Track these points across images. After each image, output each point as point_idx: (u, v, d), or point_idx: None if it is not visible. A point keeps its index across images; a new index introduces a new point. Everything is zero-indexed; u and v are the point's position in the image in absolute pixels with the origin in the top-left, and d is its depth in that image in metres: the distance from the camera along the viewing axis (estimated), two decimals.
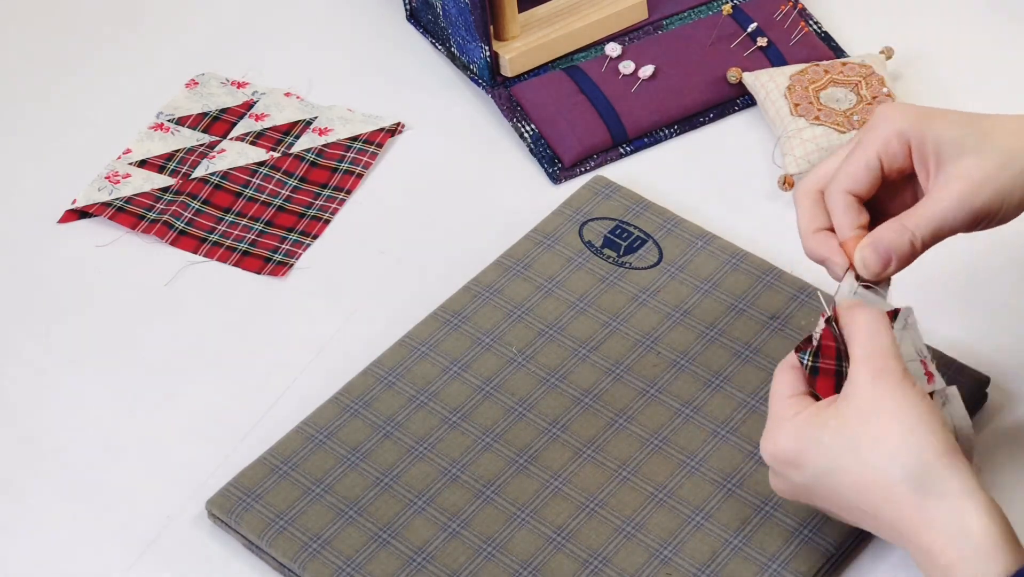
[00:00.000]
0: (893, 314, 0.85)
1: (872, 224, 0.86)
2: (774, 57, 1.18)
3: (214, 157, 1.16)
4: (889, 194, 0.88)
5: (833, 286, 0.87)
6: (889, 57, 1.17)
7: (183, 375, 1.02)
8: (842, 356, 0.83)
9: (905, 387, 0.80)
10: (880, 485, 0.79)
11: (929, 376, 0.85)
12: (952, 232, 0.85)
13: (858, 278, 0.86)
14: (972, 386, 0.95)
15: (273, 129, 1.18)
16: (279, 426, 0.97)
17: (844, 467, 0.80)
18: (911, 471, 0.78)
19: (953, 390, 0.86)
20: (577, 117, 1.15)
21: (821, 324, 0.84)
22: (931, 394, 0.84)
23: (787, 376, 0.85)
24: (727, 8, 1.21)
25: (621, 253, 1.05)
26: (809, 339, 0.84)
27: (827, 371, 0.84)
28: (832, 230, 0.87)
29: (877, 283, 0.86)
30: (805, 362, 0.84)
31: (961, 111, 0.86)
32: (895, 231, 0.84)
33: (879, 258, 0.84)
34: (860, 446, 0.80)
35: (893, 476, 0.79)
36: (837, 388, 0.83)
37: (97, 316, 1.06)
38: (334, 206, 1.13)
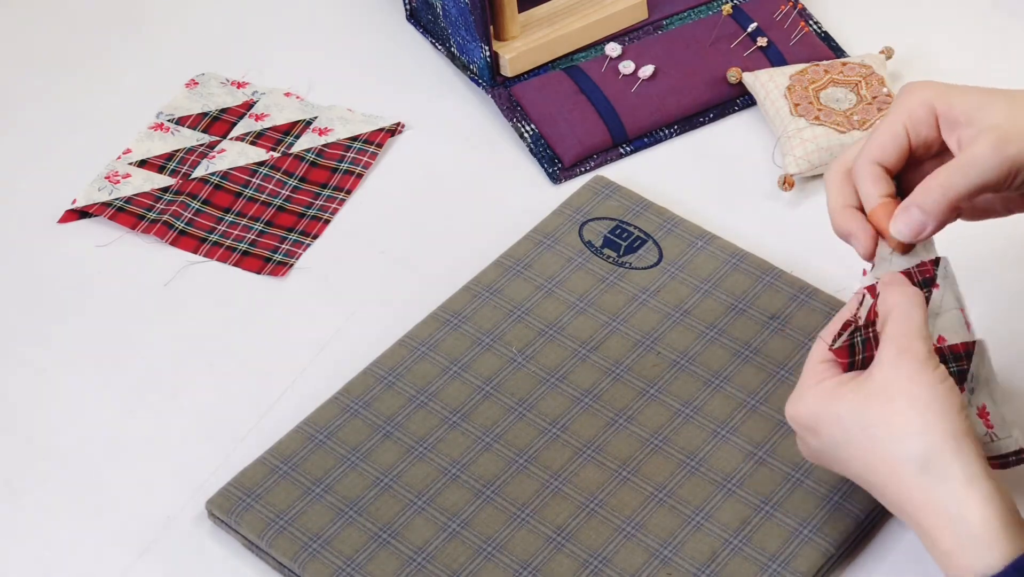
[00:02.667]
0: (935, 263, 0.85)
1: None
2: (774, 57, 1.18)
3: (214, 157, 1.16)
4: (917, 175, 0.86)
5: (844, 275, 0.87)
6: (889, 57, 1.17)
7: (183, 375, 1.02)
8: (858, 329, 0.83)
9: (925, 369, 0.80)
10: (887, 463, 0.80)
11: (967, 324, 0.85)
12: (985, 187, 0.82)
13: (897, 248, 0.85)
14: None
15: (273, 129, 1.18)
16: (279, 426, 0.97)
17: (855, 441, 0.81)
18: (917, 452, 0.79)
19: (986, 345, 0.85)
20: (577, 117, 1.15)
21: (867, 300, 0.84)
22: (973, 343, 0.84)
23: (822, 343, 0.85)
24: (727, 8, 1.21)
25: (621, 253, 1.05)
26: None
27: (843, 345, 0.84)
28: (861, 210, 0.86)
29: (915, 276, 0.85)
30: (853, 339, 0.84)
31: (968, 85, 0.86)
32: (923, 188, 0.83)
33: (911, 221, 0.83)
34: (872, 423, 0.80)
35: (899, 455, 0.79)
36: (850, 356, 0.83)
37: (97, 316, 1.06)
38: (334, 206, 1.13)
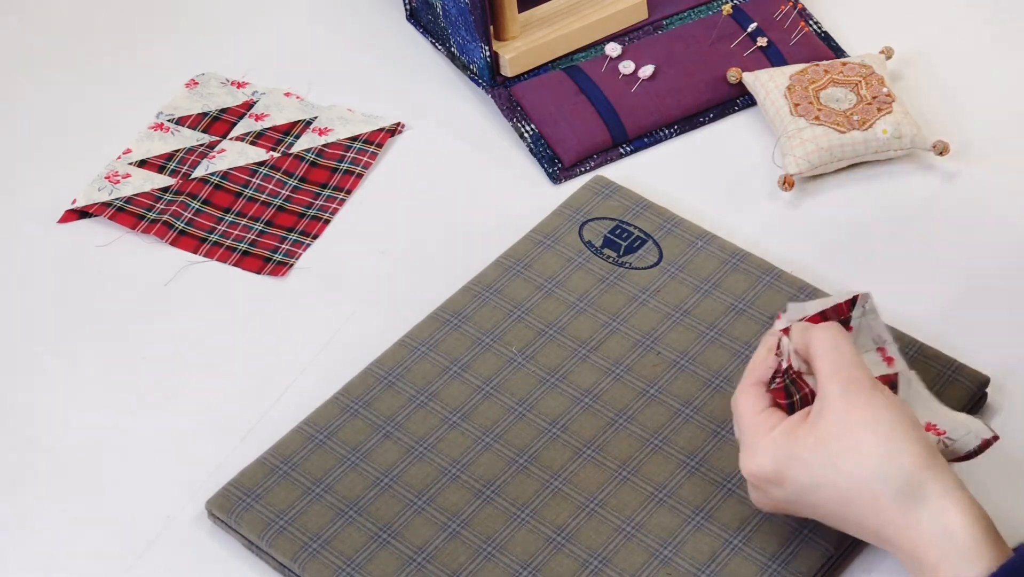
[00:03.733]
0: (851, 302, 0.87)
1: None
2: (774, 57, 1.18)
3: (214, 157, 1.16)
4: None
5: None
6: (889, 57, 1.17)
7: (183, 375, 1.02)
8: (786, 372, 0.85)
9: (875, 395, 0.81)
10: (862, 495, 0.80)
11: (889, 360, 0.87)
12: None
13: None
14: (972, 386, 0.95)
15: (273, 129, 1.18)
16: (279, 426, 0.97)
17: (825, 481, 0.81)
18: (891, 479, 0.79)
19: (913, 374, 0.88)
20: (577, 117, 1.15)
21: (785, 341, 0.86)
22: (895, 375, 0.86)
23: (751, 392, 0.86)
24: (727, 8, 1.21)
25: (621, 253, 1.05)
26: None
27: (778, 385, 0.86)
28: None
29: (830, 318, 0.87)
30: (786, 381, 0.86)
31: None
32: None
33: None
34: (839, 459, 0.81)
35: (874, 486, 0.80)
36: (787, 397, 0.85)
37: (97, 316, 1.06)
38: (334, 206, 1.13)
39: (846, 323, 0.87)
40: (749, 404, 0.85)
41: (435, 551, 0.89)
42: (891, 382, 0.86)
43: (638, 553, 0.89)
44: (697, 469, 0.92)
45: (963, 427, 0.86)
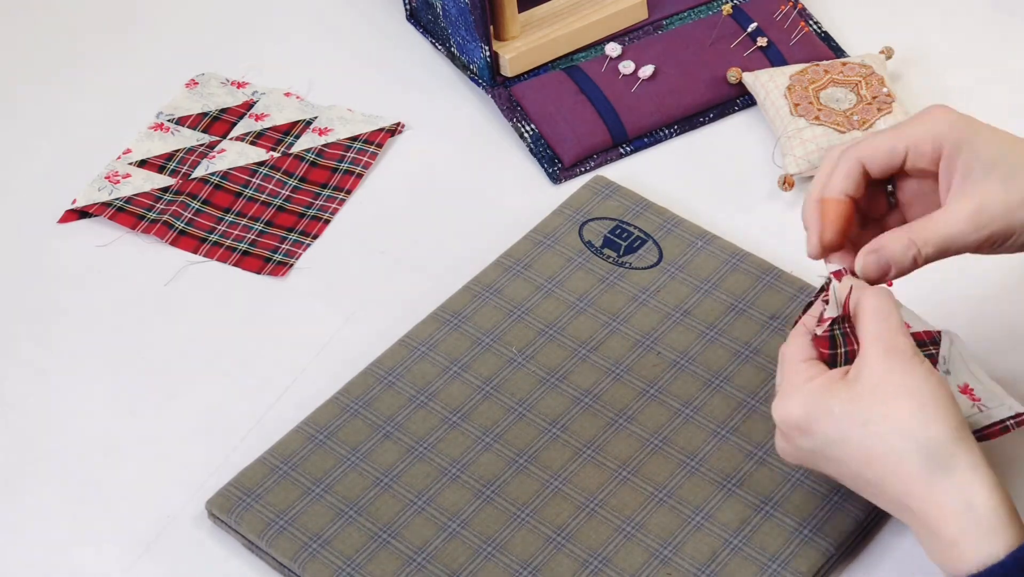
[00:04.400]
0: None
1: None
2: (774, 57, 1.18)
3: (214, 157, 1.16)
4: (905, 187, 0.88)
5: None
6: (889, 57, 1.17)
7: (183, 375, 1.02)
8: (837, 322, 0.84)
9: (914, 364, 0.81)
10: (888, 458, 0.80)
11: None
12: (959, 252, 0.85)
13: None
14: None
15: (273, 129, 1.18)
16: (279, 426, 0.97)
17: (853, 438, 0.81)
18: (921, 446, 0.79)
19: (955, 333, 0.87)
20: (577, 117, 1.15)
21: (835, 285, 0.85)
22: (938, 332, 0.86)
23: (799, 341, 0.85)
24: (727, 8, 1.21)
25: (621, 253, 1.05)
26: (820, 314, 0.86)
27: (823, 336, 0.85)
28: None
29: None
30: (834, 332, 0.85)
31: (1009, 133, 0.86)
32: (901, 244, 0.85)
33: (879, 267, 0.85)
34: (870, 419, 0.80)
35: (902, 450, 0.79)
36: (831, 348, 0.84)
37: (97, 316, 1.06)
38: (334, 206, 1.13)
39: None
40: (793, 352, 0.85)
41: (435, 551, 0.89)
42: (933, 338, 0.86)
43: (638, 553, 0.89)
44: (697, 469, 0.92)
45: (998, 398, 0.86)
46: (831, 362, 0.85)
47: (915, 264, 0.85)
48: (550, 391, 0.97)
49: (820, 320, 0.85)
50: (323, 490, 0.92)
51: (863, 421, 0.80)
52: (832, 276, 0.86)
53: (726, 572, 0.87)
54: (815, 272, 1.04)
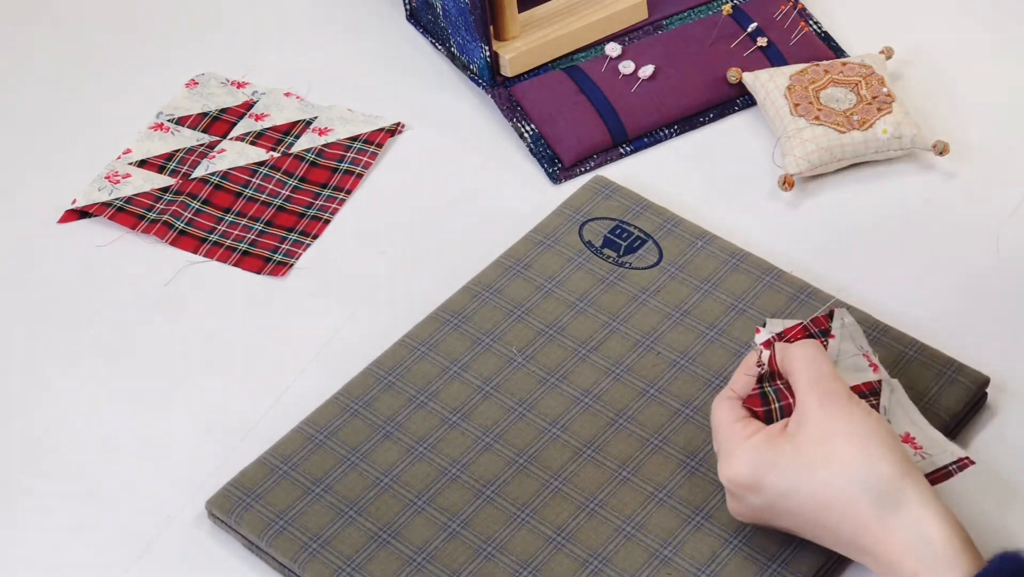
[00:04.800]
0: (829, 316, 0.89)
1: None
2: (774, 57, 1.18)
3: (214, 157, 1.16)
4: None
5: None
6: (889, 57, 1.17)
7: (183, 375, 1.02)
8: (766, 379, 0.87)
9: (852, 407, 0.83)
10: (839, 502, 0.81)
11: (874, 367, 0.88)
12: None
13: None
14: (972, 386, 0.95)
15: (273, 129, 1.18)
16: (279, 426, 0.97)
17: (802, 488, 0.82)
18: (868, 486, 0.80)
19: (896, 382, 0.89)
20: (577, 117, 1.15)
21: (764, 353, 0.88)
22: (879, 382, 0.87)
23: (726, 404, 0.87)
24: (727, 8, 1.21)
25: (621, 253, 1.05)
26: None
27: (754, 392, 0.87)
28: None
29: (810, 330, 0.90)
30: (764, 388, 0.87)
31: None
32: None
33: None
34: (816, 467, 0.82)
35: (850, 492, 0.81)
36: (764, 404, 0.86)
37: (97, 316, 1.06)
38: (334, 206, 1.13)
39: (827, 333, 0.89)
40: (725, 414, 0.87)
41: (435, 551, 0.89)
42: (873, 389, 0.87)
43: (638, 553, 0.89)
44: (697, 469, 0.92)
45: (940, 444, 0.87)
46: (767, 419, 0.86)
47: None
48: (550, 391, 0.97)
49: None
50: (323, 490, 0.92)
51: (810, 470, 0.82)
52: (762, 346, 0.88)
53: (726, 572, 0.87)
54: (815, 272, 1.04)
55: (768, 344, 0.88)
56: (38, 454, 0.98)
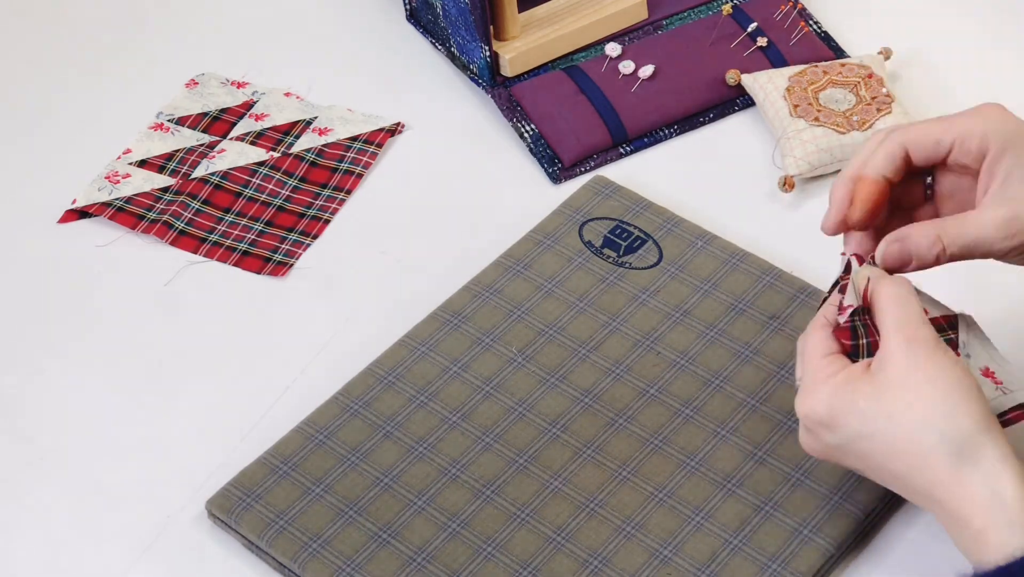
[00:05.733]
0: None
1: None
2: (774, 57, 1.18)
3: (214, 157, 1.16)
4: (942, 179, 0.88)
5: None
6: (888, 58, 1.17)
7: (183, 375, 1.02)
8: (857, 313, 0.84)
9: (938, 354, 0.80)
10: (914, 450, 0.80)
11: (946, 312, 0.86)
12: (984, 256, 0.85)
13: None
14: None
15: (273, 129, 1.18)
16: (279, 426, 0.97)
17: (879, 432, 0.81)
18: (947, 437, 0.79)
19: (971, 317, 0.87)
20: (577, 117, 1.15)
21: (859, 281, 0.85)
22: (955, 316, 0.85)
23: (818, 335, 0.85)
24: (727, 8, 1.21)
25: (621, 253, 1.05)
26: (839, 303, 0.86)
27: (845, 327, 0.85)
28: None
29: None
30: (855, 322, 0.84)
31: None
32: (928, 238, 0.84)
33: (900, 257, 0.85)
34: (895, 412, 0.80)
35: (928, 441, 0.79)
36: (853, 339, 0.84)
37: (97, 316, 1.06)
38: (334, 206, 1.13)
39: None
40: (814, 346, 0.84)
41: (435, 551, 0.89)
42: (951, 322, 0.85)
43: (638, 553, 0.89)
44: (697, 469, 0.92)
45: (1019, 380, 0.85)
46: (853, 353, 0.84)
47: (937, 261, 0.84)
48: (550, 391, 0.97)
49: (840, 309, 0.84)
50: (323, 490, 0.92)
51: (888, 414, 0.80)
52: (853, 258, 0.86)
53: (726, 572, 0.87)
54: (815, 272, 1.04)
55: (860, 259, 0.85)
56: (38, 454, 0.98)
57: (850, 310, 0.84)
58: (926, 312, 0.84)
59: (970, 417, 0.79)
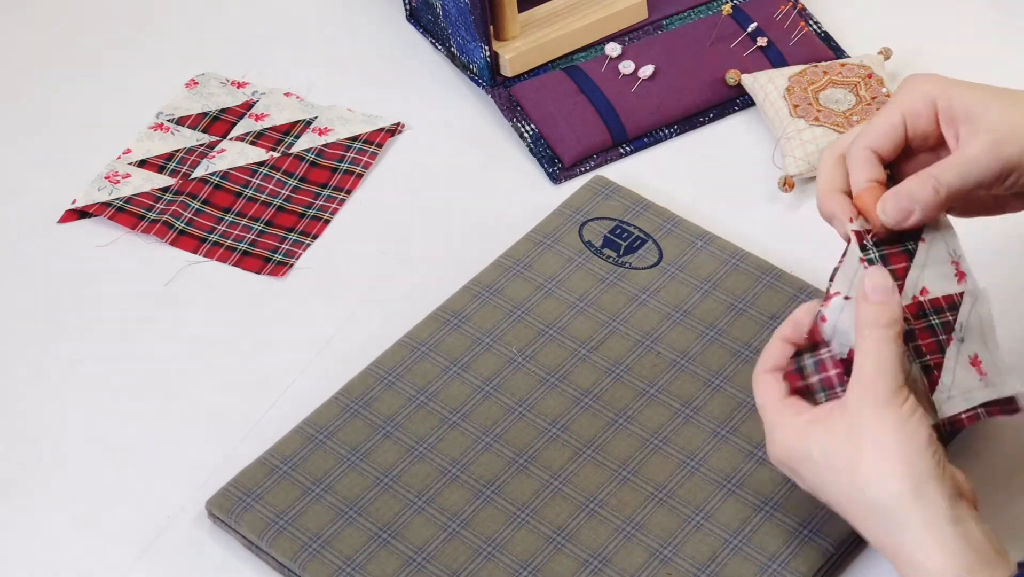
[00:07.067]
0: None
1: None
2: (774, 57, 1.18)
3: (214, 157, 1.16)
4: (910, 165, 0.87)
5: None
6: (887, 58, 1.17)
7: (183, 375, 1.02)
8: (803, 353, 0.84)
9: (888, 411, 0.80)
10: (858, 506, 0.81)
11: (960, 275, 0.85)
12: (979, 184, 0.83)
13: (873, 240, 0.85)
14: None
15: (273, 129, 1.18)
16: (279, 426, 0.97)
17: (829, 484, 0.82)
18: (880, 499, 0.79)
19: (985, 292, 0.86)
20: (577, 117, 1.15)
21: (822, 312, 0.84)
22: (960, 294, 0.84)
23: (764, 383, 0.85)
24: (727, 8, 1.21)
25: (621, 253, 1.05)
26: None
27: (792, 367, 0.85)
28: (849, 195, 0.86)
29: (901, 238, 0.85)
30: (800, 362, 0.85)
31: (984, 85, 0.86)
32: (917, 178, 0.83)
33: (900, 208, 0.83)
34: (839, 469, 0.81)
35: (863, 500, 0.80)
36: (801, 380, 0.84)
37: (97, 316, 1.06)
38: (334, 206, 1.13)
39: (918, 237, 0.85)
40: (767, 392, 0.85)
41: (435, 551, 0.89)
42: (953, 303, 0.84)
43: (638, 553, 0.89)
44: (697, 469, 0.92)
45: (1004, 373, 0.85)
46: (815, 393, 0.84)
47: (936, 196, 0.83)
48: (550, 391, 0.97)
49: (812, 329, 0.84)
50: (323, 490, 0.92)
51: (834, 471, 0.81)
52: (853, 235, 0.84)
53: (726, 572, 0.87)
54: (815, 272, 1.04)
55: (860, 235, 0.84)
56: (38, 454, 0.98)
57: (796, 352, 0.84)
58: (925, 291, 0.84)
59: (902, 481, 0.79)
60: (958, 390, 0.83)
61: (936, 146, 0.87)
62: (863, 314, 0.81)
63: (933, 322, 0.84)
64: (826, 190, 0.87)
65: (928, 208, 0.83)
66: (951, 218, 0.87)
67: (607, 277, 1.03)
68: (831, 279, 0.85)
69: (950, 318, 0.84)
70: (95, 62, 1.26)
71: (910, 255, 0.84)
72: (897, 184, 0.84)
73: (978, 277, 0.86)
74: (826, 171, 0.87)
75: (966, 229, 0.90)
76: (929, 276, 0.85)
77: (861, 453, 0.80)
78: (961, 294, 0.85)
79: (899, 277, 0.84)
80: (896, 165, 0.87)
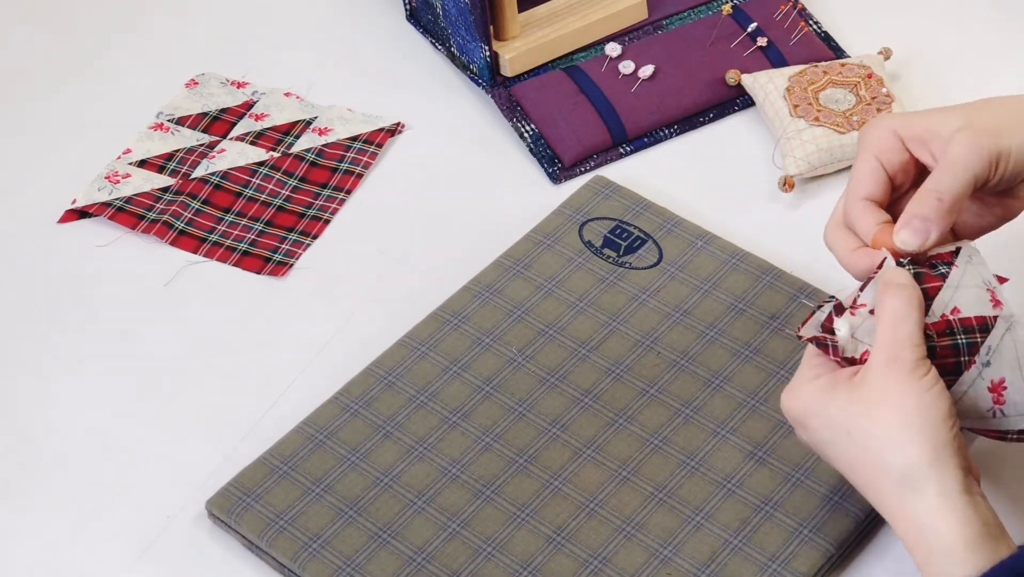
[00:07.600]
0: (955, 252, 0.85)
1: None
2: (774, 57, 1.18)
3: (214, 157, 1.16)
4: (904, 203, 0.87)
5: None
6: (887, 58, 1.17)
7: (183, 375, 1.02)
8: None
9: (912, 379, 0.81)
10: (868, 469, 0.81)
11: (996, 302, 0.85)
12: (975, 180, 0.84)
13: (909, 262, 0.85)
14: None
15: (273, 129, 1.18)
16: (279, 426, 0.97)
17: (840, 443, 0.82)
18: (896, 464, 0.80)
19: (1019, 319, 0.86)
20: (577, 117, 1.15)
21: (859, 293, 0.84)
22: (994, 318, 0.84)
23: (841, 235, 0.87)
24: (727, 8, 1.21)
25: (621, 253, 1.05)
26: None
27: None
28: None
29: (933, 261, 0.85)
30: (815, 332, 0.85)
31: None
32: (917, 198, 0.84)
33: (913, 228, 0.84)
34: (857, 428, 0.81)
35: (879, 464, 0.81)
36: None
37: (97, 316, 1.06)
38: (334, 206, 1.13)
39: (950, 264, 0.85)
40: (813, 347, 0.85)
41: (435, 551, 0.89)
42: (985, 324, 0.84)
43: (638, 553, 0.89)
44: (697, 469, 0.92)
45: (1021, 407, 0.84)
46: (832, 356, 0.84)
47: (941, 205, 0.83)
48: (550, 391, 0.97)
49: (853, 306, 0.84)
50: (323, 490, 0.92)
51: (851, 428, 0.81)
52: (889, 256, 0.85)
53: (726, 572, 0.87)
54: (815, 272, 1.04)
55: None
56: (38, 454, 0.98)
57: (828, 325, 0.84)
58: (956, 311, 0.84)
59: (921, 449, 0.80)
60: (963, 417, 0.84)
61: (916, 178, 0.88)
62: (889, 290, 0.82)
63: (959, 341, 0.83)
64: (847, 255, 0.88)
65: (939, 220, 0.84)
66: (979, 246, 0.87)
67: (607, 277, 1.03)
68: (860, 289, 0.85)
69: (979, 339, 0.84)
70: (95, 62, 1.26)
71: (943, 277, 0.85)
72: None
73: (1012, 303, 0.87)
74: (838, 242, 0.88)
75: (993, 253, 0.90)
76: (962, 297, 0.85)
77: (880, 417, 0.80)
78: (995, 317, 0.85)
79: (930, 297, 0.84)
80: (893, 209, 0.88)
